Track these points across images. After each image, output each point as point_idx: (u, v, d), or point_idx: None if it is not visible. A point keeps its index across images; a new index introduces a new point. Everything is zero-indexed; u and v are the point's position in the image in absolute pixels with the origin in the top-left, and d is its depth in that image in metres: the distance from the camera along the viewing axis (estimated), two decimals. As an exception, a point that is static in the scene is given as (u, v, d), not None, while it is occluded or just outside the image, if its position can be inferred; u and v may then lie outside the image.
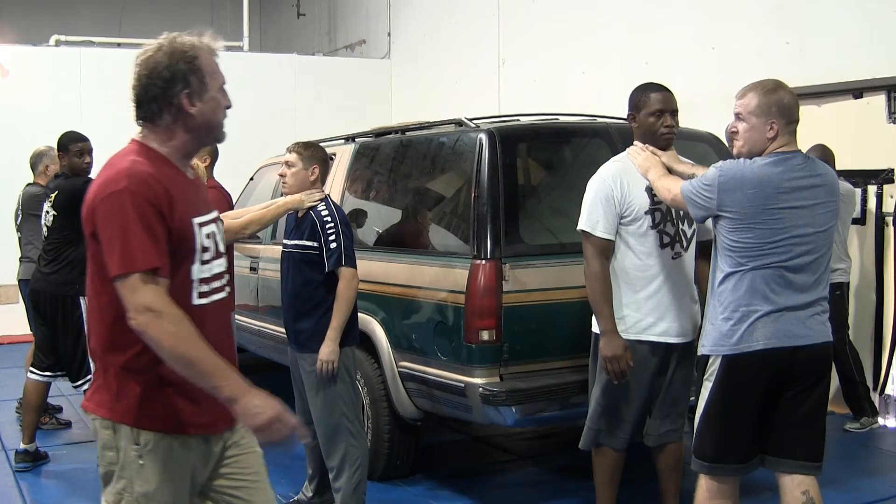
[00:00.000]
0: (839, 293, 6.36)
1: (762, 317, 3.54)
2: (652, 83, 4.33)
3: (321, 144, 6.87)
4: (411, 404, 5.15)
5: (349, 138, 6.43)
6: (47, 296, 5.74)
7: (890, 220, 6.60)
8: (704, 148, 5.32)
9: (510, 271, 4.66)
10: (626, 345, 4.09)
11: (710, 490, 3.70)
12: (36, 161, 6.90)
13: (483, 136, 4.91)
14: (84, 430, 6.74)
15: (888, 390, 6.62)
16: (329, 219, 4.54)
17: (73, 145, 5.85)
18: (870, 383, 6.70)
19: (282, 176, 4.73)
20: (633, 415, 4.28)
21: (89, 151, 5.91)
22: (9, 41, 11.78)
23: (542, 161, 5.16)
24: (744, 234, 3.54)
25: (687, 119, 6.05)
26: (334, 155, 6.30)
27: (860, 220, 6.78)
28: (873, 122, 6.66)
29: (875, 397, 6.65)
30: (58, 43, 11.75)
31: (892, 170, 6.56)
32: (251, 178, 7.73)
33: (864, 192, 6.75)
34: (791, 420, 3.64)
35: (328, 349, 4.46)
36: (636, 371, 4.15)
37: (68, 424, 6.85)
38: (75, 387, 5.90)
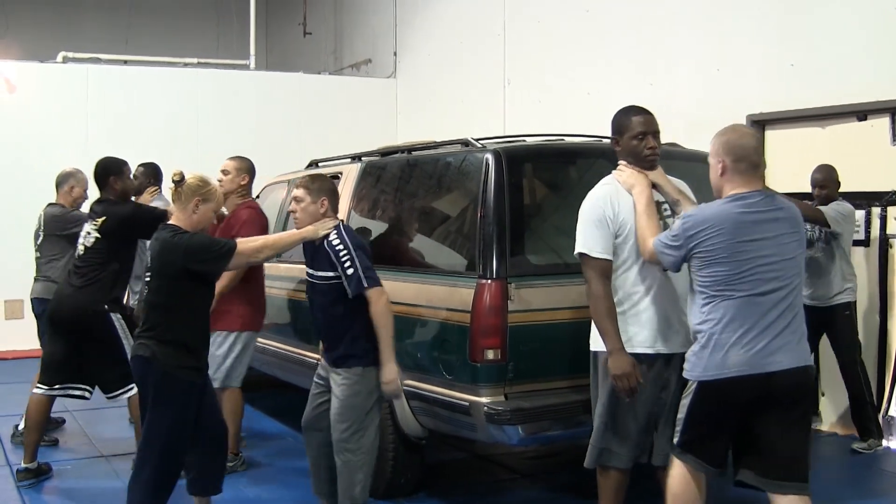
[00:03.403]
0: (848, 313, 6.37)
1: (734, 344, 3.71)
2: (633, 106, 4.45)
3: (325, 161, 6.94)
4: (416, 422, 5.16)
5: (355, 157, 6.46)
6: (79, 311, 5.73)
7: (894, 241, 6.62)
8: (706, 169, 5.33)
9: (515, 291, 4.68)
10: (634, 361, 4.11)
11: (684, 469, 3.94)
12: (62, 181, 6.89)
13: (489, 157, 4.93)
14: (89, 447, 6.76)
15: (892, 412, 6.62)
16: (341, 247, 4.58)
17: (126, 168, 6.04)
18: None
19: (292, 212, 4.80)
20: (637, 432, 4.30)
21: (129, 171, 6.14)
22: (16, 57, 11.87)
23: (547, 181, 5.18)
24: (713, 269, 3.74)
25: (691, 140, 6.10)
26: (340, 174, 6.33)
27: (864, 242, 6.80)
28: (877, 144, 6.69)
29: (878, 418, 6.65)
30: (65, 59, 11.82)
31: (896, 192, 6.60)
32: (257, 196, 7.74)
33: (868, 214, 6.76)
34: (774, 443, 3.78)
35: (390, 369, 4.54)
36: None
37: (55, 442, 6.81)
38: (109, 398, 5.90)
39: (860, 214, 6.80)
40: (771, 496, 3.85)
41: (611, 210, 4.21)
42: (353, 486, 4.67)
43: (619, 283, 4.24)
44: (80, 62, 11.83)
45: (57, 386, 5.90)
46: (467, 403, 4.69)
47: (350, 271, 4.52)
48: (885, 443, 6.61)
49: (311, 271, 4.80)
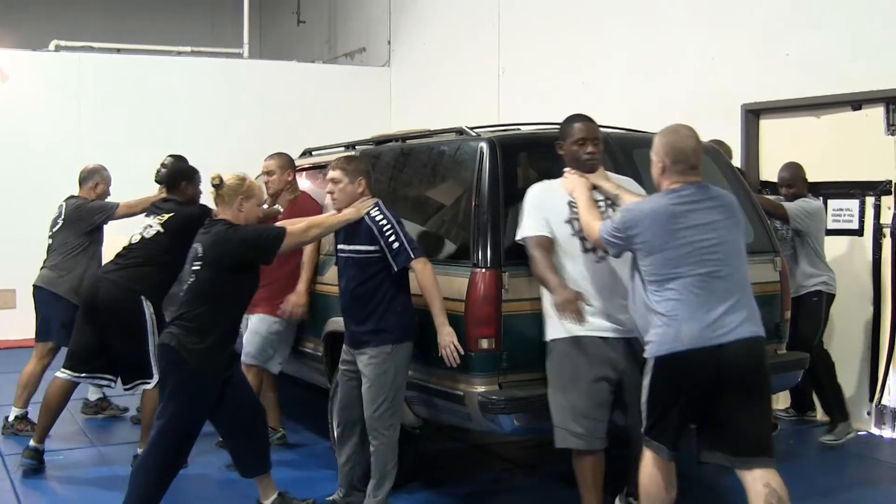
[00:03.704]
0: (816, 300, 6.34)
1: (686, 321, 3.93)
2: (577, 115, 4.78)
3: (319, 150, 6.92)
4: (410, 412, 5.14)
5: (349, 146, 6.44)
6: (114, 291, 5.74)
7: (887, 231, 6.61)
8: (705, 160, 5.32)
9: (510, 280, 4.67)
10: (576, 292, 4.35)
11: (652, 461, 4.12)
12: (87, 177, 6.94)
13: (484, 145, 4.92)
14: (80, 436, 6.75)
15: (885, 401, 6.63)
16: (384, 221, 4.73)
17: (198, 175, 6.07)
18: (866, 394, 6.73)
19: (330, 193, 4.89)
20: (590, 411, 4.46)
21: None
22: (9, 46, 11.79)
23: (542, 170, 5.15)
24: (653, 257, 4.02)
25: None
26: (334, 162, 6.31)
27: (858, 232, 6.80)
28: (872, 133, 6.68)
29: (871, 408, 6.67)
30: (57, 48, 11.75)
31: (890, 181, 6.58)
32: (251, 185, 7.72)
33: (862, 204, 6.76)
34: (735, 419, 3.96)
35: (446, 332, 4.60)
36: (581, 364, 4.46)
37: None
38: (126, 388, 5.93)
39: (854, 204, 6.81)
40: (739, 472, 3.98)
41: (546, 200, 4.59)
42: (388, 463, 4.80)
43: (562, 271, 4.50)
44: (72, 51, 11.76)
45: (83, 374, 5.94)
46: (461, 393, 4.68)
47: (396, 245, 4.66)
48: (877, 431, 6.64)
49: (343, 246, 4.90)
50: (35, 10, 15.48)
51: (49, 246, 6.90)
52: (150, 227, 5.84)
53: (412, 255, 4.66)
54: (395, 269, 4.68)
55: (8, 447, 6.41)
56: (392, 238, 4.68)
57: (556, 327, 4.50)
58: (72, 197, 6.92)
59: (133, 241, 5.88)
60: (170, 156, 7.10)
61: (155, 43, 12.84)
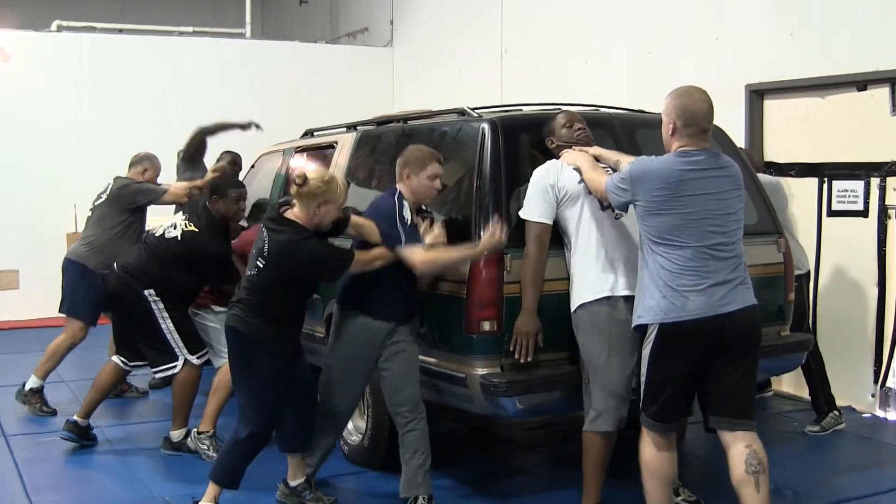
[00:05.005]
0: (797, 285, 6.22)
1: (691, 290, 3.96)
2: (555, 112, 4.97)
3: (321, 131, 6.90)
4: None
5: (351, 126, 6.41)
6: (121, 290, 5.75)
7: (892, 212, 6.58)
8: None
9: (512, 262, 4.65)
10: (539, 327, 4.56)
11: (654, 440, 4.15)
12: (136, 162, 7.01)
13: (486, 126, 4.90)
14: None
15: (889, 383, 6.62)
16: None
17: (232, 192, 5.71)
18: (870, 377, 6.72)
19: (439, 188, 4.80)
20: (622, 389, 4.50)
21: (245, 198, 5.84)
22: (10, 26, 11.76)
23: (544, 151, 5.13)
24: (656, 220, 4.03)
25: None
26: (335, 143, 6.29)
27: (863, 213, 6.77)
28: (877, 114, 6.64)
29: (876, 390, 6.66)
30: (59, 28, 11.73)
31: (895, 162, 6.55)
32: (252, 166, 7.71)
33: (867, 185, 6.73)
34: (727, 385, 4.04)
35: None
36: (618, 334, 4.46)
37: (53, 412, 6.79)
38: (154, 373, 5.98)
39: (859, 185, 6.77)
40: (721, 434, 4.07)
41: (553, 179, 4.60)
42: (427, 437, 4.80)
43: (574, 241, 4.61)
44: (74, 31, 11.74)
45: (133, 364, 6.02)
46: (463, 375, 4.67)
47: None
48: (881, 413, 6.63)
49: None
50: (37, -11, 15.43)
51: (87, 219, 6.92)
52: (175, 227, 5.69)
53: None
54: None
55: (11, 428, 6.43)
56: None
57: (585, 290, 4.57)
58: (120, 177, 6.92)
59: (155, 234, 5.79)
60: (224, 152, 7.22)
61: (157, 23, 12.81)
